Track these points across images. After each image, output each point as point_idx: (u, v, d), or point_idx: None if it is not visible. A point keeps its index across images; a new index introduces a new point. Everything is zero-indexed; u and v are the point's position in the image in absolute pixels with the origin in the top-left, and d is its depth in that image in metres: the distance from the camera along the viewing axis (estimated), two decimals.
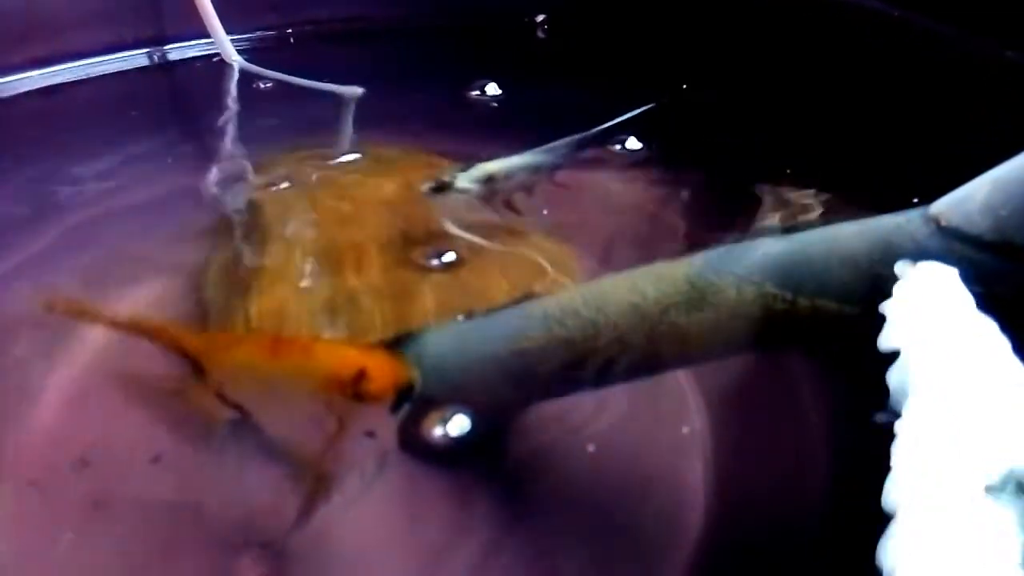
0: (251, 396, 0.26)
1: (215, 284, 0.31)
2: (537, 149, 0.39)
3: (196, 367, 0.27)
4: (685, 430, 0.26)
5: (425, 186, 0.36)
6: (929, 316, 0.22)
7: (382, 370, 0.25)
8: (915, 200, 0.26)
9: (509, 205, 0.36)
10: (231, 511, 0.24)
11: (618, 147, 0.40)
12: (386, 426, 0.25)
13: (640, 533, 0.24)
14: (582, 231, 0.35)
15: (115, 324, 0.29)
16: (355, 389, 0.25)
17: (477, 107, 0.44)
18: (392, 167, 0.38)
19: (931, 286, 0.23)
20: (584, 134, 0.40)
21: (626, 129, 0.40)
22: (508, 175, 0.37)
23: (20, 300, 0.31)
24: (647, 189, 0.39)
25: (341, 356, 0.26)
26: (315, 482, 0.24)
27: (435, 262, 0.32)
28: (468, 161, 0.37)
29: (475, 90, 0.45)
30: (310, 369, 0.26)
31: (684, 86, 0.44)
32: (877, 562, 0.17)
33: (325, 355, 0.27)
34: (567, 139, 0.39)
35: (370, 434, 0.25)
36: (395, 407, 0.25)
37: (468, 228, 0.34)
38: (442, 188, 0.36)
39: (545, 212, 0.37)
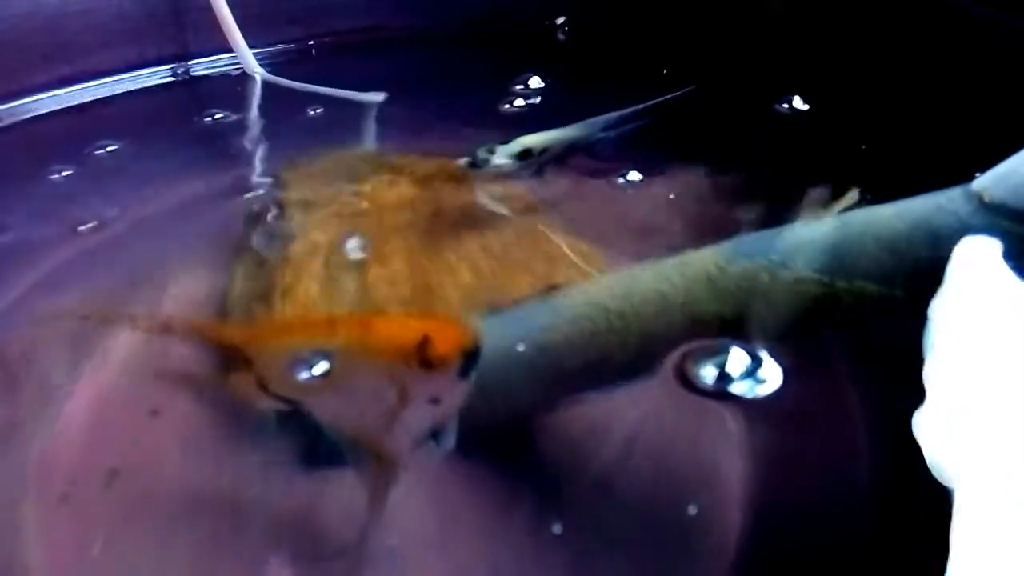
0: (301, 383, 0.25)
1: (238, 292, 0.31)
2: (574, 124, 0.39)
3: (240, 360, 0.26)
4: (723, 431, 0.25)
5: (463, 160, 0.36)
6: (976, 295, 0.21)
7: (446, 334, 0.24)
8: (977, 174, 0.24)
9: (543, 179, 0.36)
10: (274, 517, 0.23)
11: (786, 106, 0.40)
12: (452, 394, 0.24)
13: (679, 535, 0.23)
14: (611, 222, 0.35)
15: (151, 327, 0.29)
16: (421, 355, 0.23)
17: (498, 112, 0.44)
18: (413, 170, 0.38)
19: (977, 264, 0.21)
20: (621, 112, 0.40)
21: (663, 110, 0.40)
22: (545, 149, 0.37)
23: (48, 313, 0.31)
24: (683, 178, 0.38)
25: (402, 325, 0.26)
26: (380, 476, 0.23)
27: (457, 259, 0.31)
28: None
29: (497, 95, 0.44)
30: (371, 343, 0.25)
31: (717, 78, 0.43)
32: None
33: (386, 327, 0.26)
34: (605, 116, 0.40)
35: (435, 401, 0.24)
36: (463, 371, 0.24)
37: (492, 223, 0.34)
38: (479, 163, 0.36)
39: (572, 202, 0.36)
